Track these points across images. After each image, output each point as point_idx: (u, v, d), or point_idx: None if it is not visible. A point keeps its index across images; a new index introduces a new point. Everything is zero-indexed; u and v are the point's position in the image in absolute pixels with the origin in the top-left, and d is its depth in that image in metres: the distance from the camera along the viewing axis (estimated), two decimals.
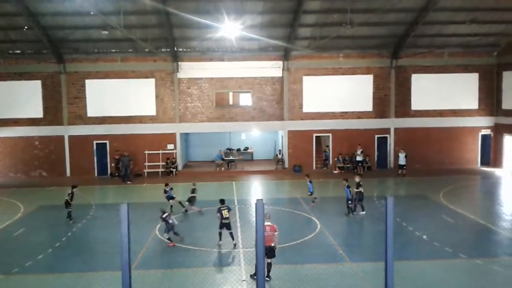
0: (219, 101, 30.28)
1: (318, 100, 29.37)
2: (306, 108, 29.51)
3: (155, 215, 18.65)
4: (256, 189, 25.59)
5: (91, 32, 26.61)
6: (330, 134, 29.74)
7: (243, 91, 30.59)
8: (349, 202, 18.38)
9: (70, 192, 18.24)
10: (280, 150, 30.67)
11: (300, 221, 18.22)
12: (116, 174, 27.88)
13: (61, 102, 28.60)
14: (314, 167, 29.55)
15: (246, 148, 33.18)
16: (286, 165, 29.74)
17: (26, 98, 28.34)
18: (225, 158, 30.40)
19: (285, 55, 28.93)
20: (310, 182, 20.31)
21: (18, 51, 28.04)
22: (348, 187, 18.46)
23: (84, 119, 28.78)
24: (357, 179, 18.87)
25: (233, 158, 30.77)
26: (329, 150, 29.90)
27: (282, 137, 30.54)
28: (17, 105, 28.31)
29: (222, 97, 31.25)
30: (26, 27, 25.65)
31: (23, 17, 24.68)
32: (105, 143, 28.89)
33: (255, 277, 11.88)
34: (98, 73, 28.66)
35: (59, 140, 28.67)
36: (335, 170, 28.93)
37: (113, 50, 28.39)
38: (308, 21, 26.39)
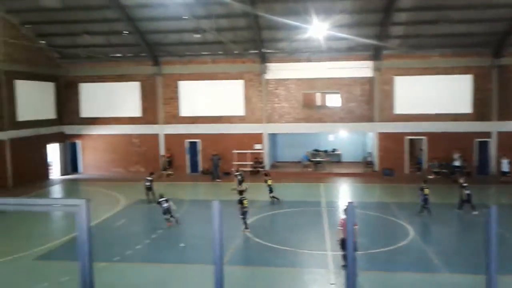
0: (306, 102, 30.14)
1: (410, 101, 28.06)
2: (398, 110, 28.34)
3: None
4: (344, 191, 25.07)
5: (184, 36, 27.84)
6: (424, 137, 28.28)
7: (331, 91, 30.16)
8: (422, 203, 18.45)
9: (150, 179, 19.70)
10: (369, 152, 29.76)
11: (391, 227, 17.50)
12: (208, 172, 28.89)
13: (157, 102, 30.27)
14: (406, 171, 28.28)
15: (334, 150, 32.66)
16: (376, 168, 28.79)
17: (126, 98, 30.40)
18: (312, 159, 30.16)
19: (375, 55, 28.04)
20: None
21: (119, 55, 30.13)
22: (422, 189, 18.38)
23: (178, 119, 30.19)
24: (461, 180, 18.92)
25: (320, 159, 30.44)
26: (423, 154, 28.44)
27: (372, 139, 29.64)
28: (118, 105, 30.46)
29: (309, 98, 31.06)
30: (125, 32, 27.51)
31: (123, 23, 26.48)
32: (196, 142, 30.06)
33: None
34: (190, 75, 29.89)
35: (155, 138, 30.37)
36: (430, 175, 27.40)
37: (204, 53, 29.44)
38: (400, 19, 25.35)
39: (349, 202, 4.89)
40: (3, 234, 16.41)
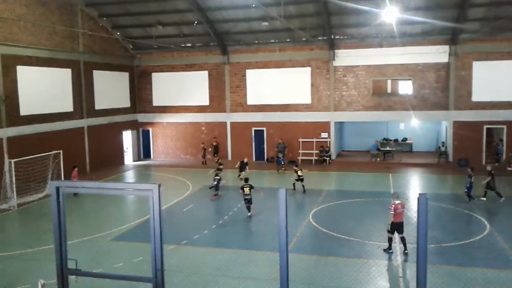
0: (376, 89, 29.19)
1: (490, 87, 26.26)
2: (476, 97, 26.65)
3: (309, 201, 18.96)
4: (414, 182, 24.11)
5: (252, 24, 27.94)
6: (504, 126, 26.40)
7: (403, 78, 28.96)
8: (465, 191, 18.40)
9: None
10: (443, 142, 28.33)
11: (465, 220, 16.61)
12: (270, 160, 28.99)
13: (225, 90, 30.73)
14: (483, 162, 26.62)
15: (405, 139, 31.46)
16: (450, 158, 27.37)
17: (195, 87, 31.15)
18: (381, 149, 29.26)
19: (452, 39, 26.47)
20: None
21: (189, 45, 30.87)
22: (470, 176, 18.32)
23: (244, 107, 30.49)
24: (488, 167, 19.11)
25: (390, 149, 29.46)
26: (502, 144, 26.60)
27: (446, 128, 28.17)
28: (187, 94, 31.30)
29: (379, 85, 30.06)
30: (196, 22, 28.09)
31: (193, 13, 27.05)
32: (263, 130, 30.22)
33: (390, 251, 13.03)
34: (258, 63, 29.98)
35: (222, 126, 30.93)
36: (509, 166, 25.60)
37: (272, 41, 29.38)
38: (481, 1, 23.69)
39: (420, 194, 4.64)
40: (82, 216, 17.51)
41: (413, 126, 30.42)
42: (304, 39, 28.05)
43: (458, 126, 27.10)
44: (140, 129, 32.63)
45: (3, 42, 21.21)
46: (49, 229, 12.96)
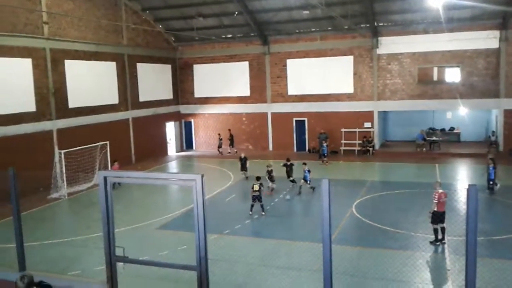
0: (421, 77, 28.26)
1: None
2: None
3: (352, 192, 18.68)
4: (462, 173, 23.27)
5: (293, 13, 27.64)
6: None
7: (450, 65, 27.88)
8: (490, 182, 18.13)
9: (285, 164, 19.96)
10: (493, 131, 27.13)
11: None
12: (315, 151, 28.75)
13: (265, 81, 30.66)
14: None
15: (452, 129, 30.38)
16: (501, 148, 26.20)
17: (235, 78, 31.25)
18: (427, 139, 28.40)
19: (504, 23, 25.21)
20: (308, 170, 19.09)
21: (230, 35, 30.94)
22: (494, 167, 18.13)
23: (285, 97, 30.32)
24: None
25: (437, 138, 28.54)
26: None
27: (496, 116, 26.96)
28: (228, 85, 31.46)
29: (425, 72, 29.07)
30: (236, 13, 28.09)
31: (234, 3, 27.05)
32: (304, 120, 29.98)
33: (437, 243, 12.65)
34: (299, 53, 29.68)
35: (263, 116, 30.92)
36: None
37: (313, 29, 28.98)
38: None
39: (470, 185, 4.43)
40: (128, 205, 18.00)
41: (461, 115, 29.25)
42: (346, 27, 27.49)
43: (510, 114, 25.86)
44: (183, 120, 33.14)
45: (52, 37, 22.00)
46: (97, 217, 13.47)
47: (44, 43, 21.54)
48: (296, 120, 30.19)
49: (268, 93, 30.70)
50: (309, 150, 29.70)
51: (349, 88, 28.78)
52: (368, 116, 28.52)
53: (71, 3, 23.34)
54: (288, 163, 20.25)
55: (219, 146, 30.53)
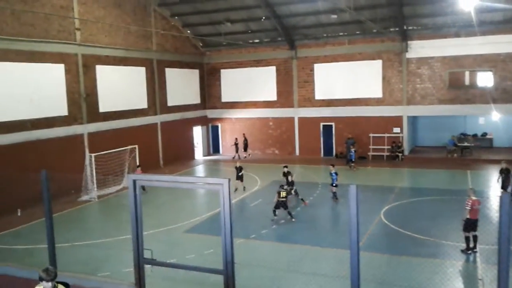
0: (453, 82, 27.64)
1: None
2: None
3: (380, 199, 18.39)
4: (495, 180, 22.54)
5: (321, 17, 27.54)
6: None
7: (483, 69, 27.17)
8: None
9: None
10: None
11: None
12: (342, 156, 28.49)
13: (292, 86, 30.61)
14: None
15: (485, 134, 29.58)
16: None
17: (262, 82, 31.31)
18: (459, 144, 27.73)
19: None
20: (336, 173, 18.66)
21: (257, 40, 31.05)
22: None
23: (312, 102, 30.18)
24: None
25: (468, 144, 27.83)
26: None
27: None
28: (255, 89, 31.54)
29: (456, 77, 28.42)
30: (263, 18, 28.19)
31: (261, 9, 27.17)
32: (331, 125, 29.75)
33: (468, 252, 12.30)
34: (326, 57, 29.52)
35: (290, 121, 30.85)
36: None
37: (341, 34, 28.77)
38: None
39: (503, 192, 4.31)
40: (156, 209, 18.21)
41: (494, 120, 28.46)
42: (374, 31, 27.18)
43: None
44: (210, 125, 33.39)
45: (83, 43, 22.55)
46: (126, 219, 13.59)
47: (76, 49, 22.10)
48: (323, 125, 29.98)
49: (295, 98, 30.62)
50: (336, 155, 29.44)
51: (377, 93, 28.42)
52: (397, 121, 28.08)
53: (102, 10, 23.89)
54: (286, 170, 19.35)
55: (236, 151, 30.91)
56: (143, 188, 20.14)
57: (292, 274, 11.68)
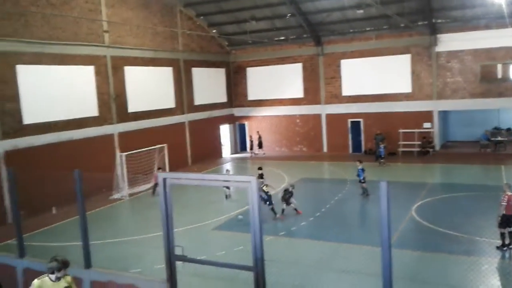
0: (484, 75, 26.85)
1: None
2: None
3: (411, 195, 18.07)
4: None
5: (347, 13, 27.23)
6: None
7: None
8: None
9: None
10: None
11: None
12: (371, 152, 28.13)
13: (319, 82, 30.39)
14: None
15: None
16: None
17: (289, 80, 31.20)
18: (492, 139, 26.96)
19: None
20: (362, 169, 18.39)
21: (282, 38, 30.93)
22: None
23: (339, 98, 29.90)
24: None
25: (502, 139, 27.04)
26: None
27: None
28: (281, 87, 31.46)
29: (488, 70, 27.58)
30: (289, 15, 28.08)
31: (286, 6, 27.08)
32: (359, 121, 29.41)
33: (504, 248, 11.94)
34: (353, 53, 29.18)
35: (317, 118, 30.65)
36: None
37: (368, 29, 28.39)
38: None
39: None
40: (185, 206, 18.37)
41: None
42: (402, 25, 26.69)
43: None
44: (237, 123, 33.51)
45: (112, 45, 22.97)
46: (156, 217, 13.83)
47: (105, 51, 22.54)
48: (351, 121, 29.66)
49: (322, 94, 30.40)
50: (365, 151, 29.09)
51: (406, 88, 27.91)
52: (428, 116, 27.51)
53: (129, 12, 24.27)
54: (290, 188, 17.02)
55: (251, 148, 31.67)
56: (154, 190, 20.37)
57: (322, 271, 11.61)
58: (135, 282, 8.44)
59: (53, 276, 5.74)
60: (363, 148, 29.36)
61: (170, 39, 27.36)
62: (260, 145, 31.61)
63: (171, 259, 7.67)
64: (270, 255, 10.31)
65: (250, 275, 7.29)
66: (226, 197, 19.32)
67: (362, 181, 18.37)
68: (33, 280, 6.68)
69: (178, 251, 7.73)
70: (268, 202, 16.13)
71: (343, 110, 29.68)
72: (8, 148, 17.83)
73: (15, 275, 9.46)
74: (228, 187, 18.98)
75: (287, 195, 16.45)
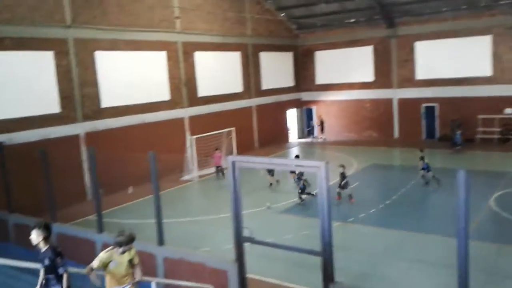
0: None
1: None
2: None
3: (490, 185, 17.04)
4: None
5: None
6: None
7: None
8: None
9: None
10: None
11: None
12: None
13: (390, 66, 29.28)
14: None
15: None
16: None
17: (358, 63, 30.33)
18: None
19: None
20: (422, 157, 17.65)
21: (352, 20, 30.03)
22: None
23: (413, 82, 28.63)
24: None
25: None
26: None
27: None
28: (350, 71, 30.67)
29: None
30: None
31: None
32: (434, 106, 28.04)
33: None
34: (428, 34, 27.71)
35: (388, 102, 29.62)
36: None
37: (444, 9, 26.76)
38: None
39: None
40: (253, 189, 18.51)
41: None
42: (482, 4, 24.90)
43: None
44: (304, 108, 33.24)
45: (183, 31, 23.53)
46: (224, 198, 14.10)
47: (176, 36, 23.13)
48: (425, 106, 28.35)
49: (394, 78, 29.28)
50: (439, 138, 27.72)
51: (486, 71, 26.12)
52: (510, 101, 25.62)
53: None
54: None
55: (313, 133, 31.73)
56: (222, 173, 20.88)
57: (391, 260, 11.31)
58: (205, 261, 8.71)
59: (119, 250, 6.06)
60: (437, 134, 28.01)
61: (239, 24, 27.52)
62: (322, 130, 31.34)
63: (239, 240, 7.82)
64: (338, 241, 10.21)
65: (316, 260, 7.25)
66: (271, 184, 19.05)
67: (424, 169, 17.68)
68: None
69: (246, 233, 7.85)
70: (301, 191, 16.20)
71: (417, 94, 28.40)
72: (88, 129, 18.96)
73: (94, 249, 10.11)
74: (272, 174, 18.76)
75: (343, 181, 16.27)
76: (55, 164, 12.53)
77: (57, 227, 11.35)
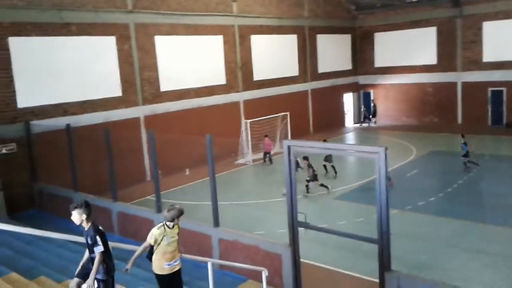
0: None
1: None
2: None
3: None
4: None
5: None
6: None
7: None
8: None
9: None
10: None
11: None
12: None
13: (456, 47, 27.79)
14: None
15: None
16: None
17: (421, 45, 29.02)
18: None
19: None
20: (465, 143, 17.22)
21: (415, 0, 28.71)
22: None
23: (479, 65, 27.04)
24: None
25: None
26: None
27: None
28: (412, 53, 29.41)
29: None
30: None
31: None
32: (502, 90, 26.39)
33: None
34: (497, 14, 25.97)
35: (451, 86, 28.21)
36: None
37: None
38: None
39: None
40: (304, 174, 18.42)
41: None
42: None
43: None
44: (361, 91, 32.39)
45: (240, 14, 23.50)
46: (277, 182, 13.99)
47: (233, 20, 23.15)
48: (491, 90, 26.75)
49: (459, 61, 27.78)
50: (507, 124, 26.12)
51: None
52: None
53: None
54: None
55: (365, 117, 31.37)
56: (270, 160, 20.83)
57: (451, 250, 10.87)
58: (259, 244, 8.77)
59: (170, 224, 6.19)
60: (504, 120, 26.41)
61: (295, 6, 27.09)
62: (374, 114, 30.69)
63: (294, 225, 7.78)
64: (395, 229, 9.94)
65: (371, 247, 7.08)
66: (326, 172, 18.51)
67: (464, 155, 17.27)
68: None
69: (300, 218, 7.80)
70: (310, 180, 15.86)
71: (483, 77, 26.81)
72: (147, 113, 19.52)
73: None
74: (330, 161, 18.11)
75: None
76: (117, 146, 13.04)
77: (118, 206, 11.86)
